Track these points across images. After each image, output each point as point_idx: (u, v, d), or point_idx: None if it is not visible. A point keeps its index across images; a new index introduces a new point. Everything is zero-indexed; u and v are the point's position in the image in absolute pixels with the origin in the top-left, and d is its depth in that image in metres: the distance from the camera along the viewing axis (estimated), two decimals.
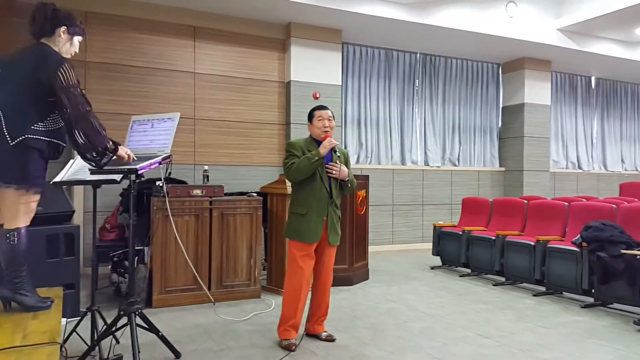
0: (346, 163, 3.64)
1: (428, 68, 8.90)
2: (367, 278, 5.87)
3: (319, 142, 3.54)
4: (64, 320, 2.76)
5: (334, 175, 3.49)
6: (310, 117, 3.65)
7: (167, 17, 6.64)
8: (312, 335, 3.67)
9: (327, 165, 3.48)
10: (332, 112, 3.65)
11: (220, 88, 7.00)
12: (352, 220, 5.48)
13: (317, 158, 3.38)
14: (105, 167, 2.71)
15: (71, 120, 2.45)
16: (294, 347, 3.42)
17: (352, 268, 5.52)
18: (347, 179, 3.52)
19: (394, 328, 4.00)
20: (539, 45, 8.35)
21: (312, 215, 3.44)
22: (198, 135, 6.85)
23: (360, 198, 5.64)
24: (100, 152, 2.57)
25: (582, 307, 4.68)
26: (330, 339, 3.64)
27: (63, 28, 2.56)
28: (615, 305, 4.65)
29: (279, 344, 3.51)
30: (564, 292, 5.13)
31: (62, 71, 2.42)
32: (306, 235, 3.44)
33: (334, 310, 3.91)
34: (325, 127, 3.55)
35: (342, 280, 5.32)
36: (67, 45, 2.60)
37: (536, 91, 9.23)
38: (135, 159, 2.88)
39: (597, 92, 10.75)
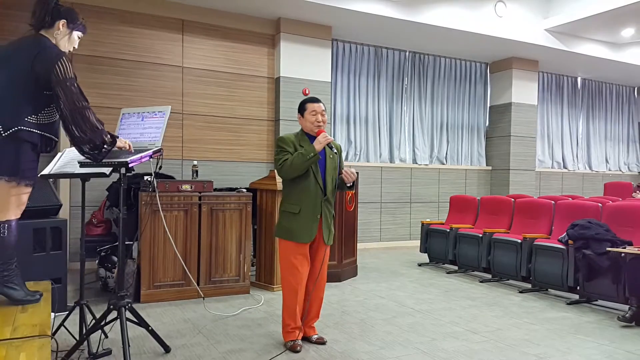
0: (340, 157, 3.54)
1: (417, 66, 8.93)
2: (355, 275, 5.89)
3: (310, 137, 3.38)
4: (52, 314, 2.73)
5: (349, 180, 3.37)
6: (302, 109, 3.43)
7: (155, 10, 6.58)
8: (303, 338, 3.51)
9: (344, 173, 3.37)
10: (324, 106, 3.47)
11: (209, 83, 6.96)
12: (341, 217, 5.49)
13: (312, 154, 3.21)
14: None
15: (67, 115, 2.41)
16: (299, 348, 3.31)
17: (341, 265, 5.53)
18: (350, 183, 3.41)
19: (383, 323, 4.02)
20: (526, 45, 8.43)
21: (306, 213, 3.29)
22: (186, 130, 6.80)
23: (350, 195, 5.64)
24: (97, 146, 2.55)
25: (568, 303, 4.75)
26: (320, 342, 3.50)
27: (63, 21, 2.52)
28: (600, 301, 4.72)
29: (284, 346, 3.38)
30: (549, 289, 5.19)
31: (60, 64, 2.38)
32: (299, 235, 3.28)
33: (323, 306, 3.90)
34: (318, 122, 3.36)
35: (331, 276, 5.28)
36: (66, 39, 2.56)
37: (523, 91, 9.32)
38: (132, 151, 2.88)
39: (582, 93, 10.91)
